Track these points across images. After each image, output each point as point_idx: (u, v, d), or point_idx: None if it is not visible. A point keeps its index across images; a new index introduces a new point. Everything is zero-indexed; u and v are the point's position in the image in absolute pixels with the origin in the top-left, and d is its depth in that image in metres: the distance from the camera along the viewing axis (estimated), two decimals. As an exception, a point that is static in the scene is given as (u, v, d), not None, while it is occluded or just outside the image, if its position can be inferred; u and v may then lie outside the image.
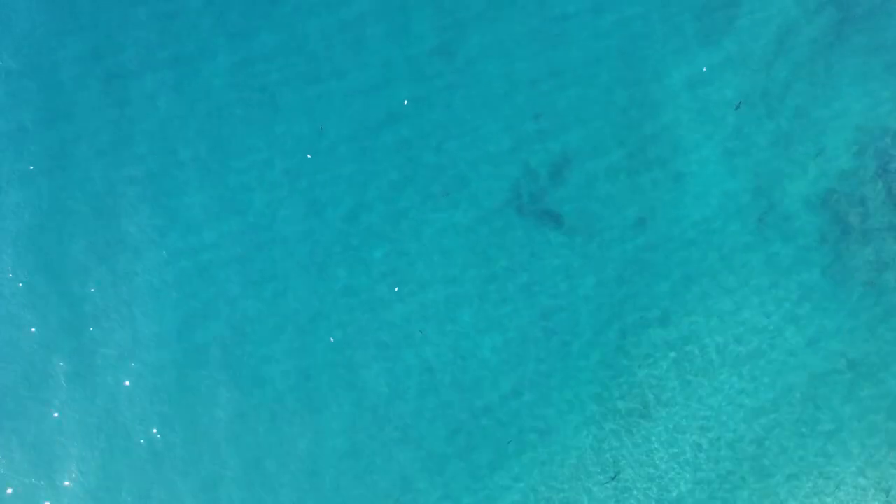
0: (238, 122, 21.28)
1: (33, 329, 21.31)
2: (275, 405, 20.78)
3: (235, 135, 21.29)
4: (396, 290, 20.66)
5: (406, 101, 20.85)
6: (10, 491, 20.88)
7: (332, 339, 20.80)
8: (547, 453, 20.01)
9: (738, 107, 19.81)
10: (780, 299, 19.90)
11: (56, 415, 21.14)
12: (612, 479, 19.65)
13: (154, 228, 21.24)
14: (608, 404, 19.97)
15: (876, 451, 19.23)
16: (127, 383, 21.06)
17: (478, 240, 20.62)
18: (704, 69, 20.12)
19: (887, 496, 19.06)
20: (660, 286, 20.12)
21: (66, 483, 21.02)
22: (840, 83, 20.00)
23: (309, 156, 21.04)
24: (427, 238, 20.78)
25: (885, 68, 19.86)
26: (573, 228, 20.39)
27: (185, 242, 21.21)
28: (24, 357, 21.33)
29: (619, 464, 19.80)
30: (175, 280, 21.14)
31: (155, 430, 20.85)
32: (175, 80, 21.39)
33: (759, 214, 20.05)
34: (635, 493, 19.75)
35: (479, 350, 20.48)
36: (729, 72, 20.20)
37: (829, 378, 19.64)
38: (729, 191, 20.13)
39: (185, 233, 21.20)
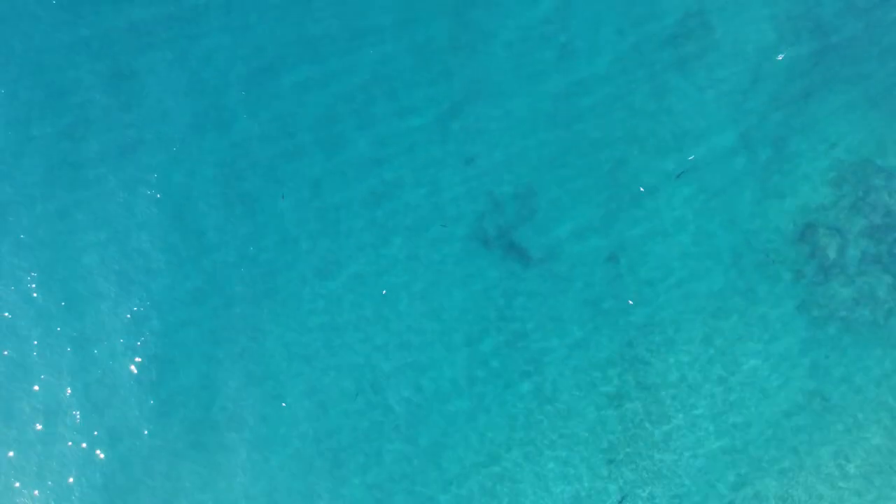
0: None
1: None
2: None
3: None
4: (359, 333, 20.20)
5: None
6: None
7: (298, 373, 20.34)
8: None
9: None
10: (755, 336, 19.30)
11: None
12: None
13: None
14: (575, 450, 19.41)
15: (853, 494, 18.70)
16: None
17: (441, 275, 20.02)
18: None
19: None
20: (630, 322, 19.52)
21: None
22: (818, 113, 19.35)
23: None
24: (390, 273, 20.21)
25: (865, 98, 19.21)
26: (541, 264, 19.77)
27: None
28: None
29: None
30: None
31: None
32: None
33: (734, 248, 19.43)
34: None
35: (441, 390, 19.91)
36: (703, 102, 19.53)
37: (804, 417, 19.06)
38: (703, 225, 19.51)
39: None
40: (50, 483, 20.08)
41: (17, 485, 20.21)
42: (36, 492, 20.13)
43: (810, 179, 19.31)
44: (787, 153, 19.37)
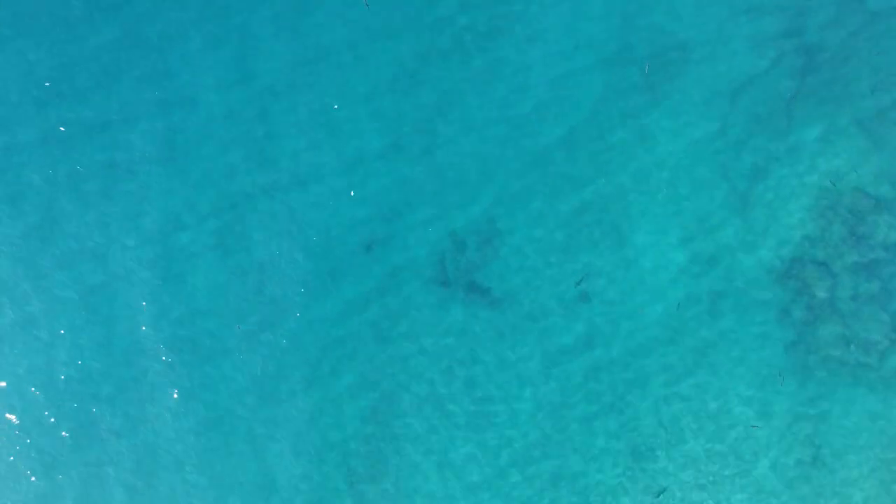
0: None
1: None
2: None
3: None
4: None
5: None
6: None
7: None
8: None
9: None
10: (740, 380, 17.79)
11: None
12: None
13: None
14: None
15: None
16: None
17: (404, 314, 18.44)
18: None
19: None
20: (605, 366, 17.97)
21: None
22: (802, 139, 17.85)
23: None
24: (351, 310, 18.63)
25: (853, 122, 17.73)
26: (507, 305, 18.18)
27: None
28: None
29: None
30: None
31: None
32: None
33: (715, 286, 17.90)
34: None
35: (403, 434, 18.36)
36: (678, 127, 17.99)
37: (794, 465, 17.59)
38: (680, 261, 17.96)
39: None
40: None
41: None
42: None
43: (795, 211, 17.81)
44: (770, 182, 17.86)
